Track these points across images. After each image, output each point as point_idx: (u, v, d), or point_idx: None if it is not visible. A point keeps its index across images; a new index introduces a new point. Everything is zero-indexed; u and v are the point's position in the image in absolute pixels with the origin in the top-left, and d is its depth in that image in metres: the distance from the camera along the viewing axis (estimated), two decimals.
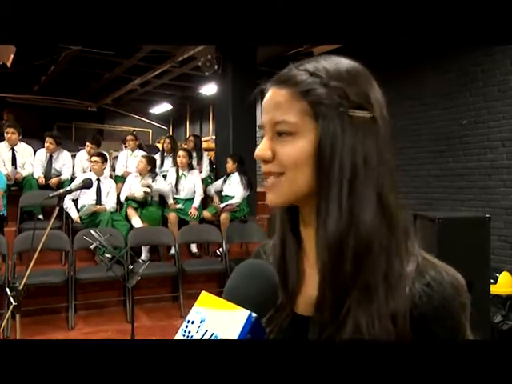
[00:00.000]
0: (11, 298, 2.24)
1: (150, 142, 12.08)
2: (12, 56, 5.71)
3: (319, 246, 0.62)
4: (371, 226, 0.60)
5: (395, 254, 0.62)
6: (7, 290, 2.31)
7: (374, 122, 0.63)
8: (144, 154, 6.03)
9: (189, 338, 0.54)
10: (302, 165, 0.62)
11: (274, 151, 0.65)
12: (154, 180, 5.42)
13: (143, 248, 5.02)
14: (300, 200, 0.65)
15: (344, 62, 0.66)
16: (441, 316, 0.60)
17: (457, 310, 0.61)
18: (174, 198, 5.56)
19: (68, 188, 2.72)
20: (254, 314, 0.53)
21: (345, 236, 0.60)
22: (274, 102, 0.65)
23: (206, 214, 5.57)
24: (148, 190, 5.23)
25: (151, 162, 5.50)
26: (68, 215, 5.08)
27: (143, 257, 4.97)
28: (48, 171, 5.59)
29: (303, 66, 0.65)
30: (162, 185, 5.45)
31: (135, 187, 5.32)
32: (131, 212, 5.16)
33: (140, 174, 5.42)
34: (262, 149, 0.65)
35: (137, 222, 5.09)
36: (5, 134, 5.49)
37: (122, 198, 5.31)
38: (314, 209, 0.64)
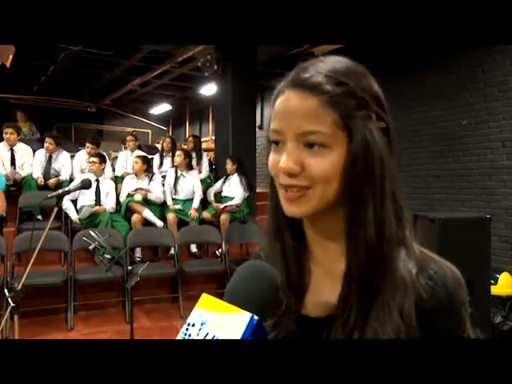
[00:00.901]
0: (9, 299, 2.24)
1: (150, 142, 12.08)
2: (11, 56, 5.71)
3: (353, 250, 0.63)
4: (394, 228, 0.63)
5: (404, 250, 0.64)
6: (5, 290, 2.31)
7: (388, 131, 0.65)
8: (141, 153, 6.03)
9: None
10: (332, 178, 0.61)
11: (301, 163, 0.61)
12: (150, 180, 5.43)
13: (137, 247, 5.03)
14: (322, 211, 0.64)
15: (358, 67, 0.65)
16: (445, 310, 0.62)
17: (459, 303, 0.63)
18: (173, 199, 5.56)
19: (67, 188, 2.71)
20: (255, 317, 0.53)
21: (375, 240, 0.62)
22: (301, 109, 0.61)
23: (206, 214, 5.57)
24: (144, 195, 5.26)
25: (146, 161, 5.51)
26: (67, 215, 5.08)
27: (137, 255, 4.99)
28: (47, 171, 5.59)
29: (322, 69, 0.62)
30: (157, 192, 5.43)
31: (132, 189, 5.34)
32: (139, 207, 5.17)
33: (136, 175, 5.43)
34: (288, 161, 0.61)
35: (149, 213, 5.13)
36: (4, 135, 5.48)
37: (122, 200, 5.32)
38: (334, 217, 0.65)
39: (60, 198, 2.50)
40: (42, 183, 5.40)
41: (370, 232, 0.61)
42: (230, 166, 5.71)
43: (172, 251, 5.02)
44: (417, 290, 0.62)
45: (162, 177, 5.81)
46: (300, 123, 0.61)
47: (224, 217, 5.43)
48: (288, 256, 0.69)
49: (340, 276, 0.65)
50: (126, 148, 6.80)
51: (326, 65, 0.63)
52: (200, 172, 6.14)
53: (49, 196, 2.53)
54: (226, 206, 5.55)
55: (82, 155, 5.90)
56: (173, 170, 5.73)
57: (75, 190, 2.90)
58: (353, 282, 0.62)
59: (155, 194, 5.39)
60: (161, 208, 5.49)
